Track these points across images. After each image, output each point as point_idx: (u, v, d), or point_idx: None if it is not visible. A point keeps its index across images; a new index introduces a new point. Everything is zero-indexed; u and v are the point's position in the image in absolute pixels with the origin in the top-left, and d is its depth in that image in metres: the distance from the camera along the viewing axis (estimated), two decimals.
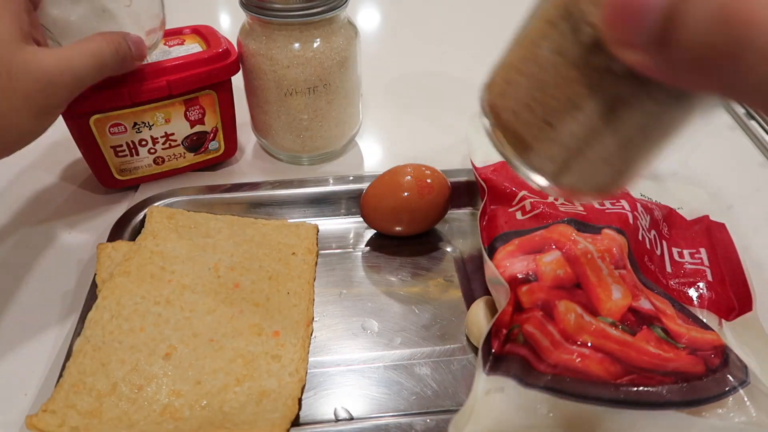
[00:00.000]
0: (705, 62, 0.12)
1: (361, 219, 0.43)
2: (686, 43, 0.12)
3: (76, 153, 0.52)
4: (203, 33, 0.47)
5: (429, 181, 0.41)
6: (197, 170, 0.50)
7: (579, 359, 0.29)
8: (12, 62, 0.31)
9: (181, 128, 0.46)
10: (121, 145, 0.45)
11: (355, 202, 0.45)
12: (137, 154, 0.46)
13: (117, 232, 0.41)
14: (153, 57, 0.43)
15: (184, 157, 0.48)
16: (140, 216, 0.43)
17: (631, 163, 0.19)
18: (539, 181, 0.20)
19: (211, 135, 0.48)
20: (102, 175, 0.47)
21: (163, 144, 0.46)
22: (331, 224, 0.45)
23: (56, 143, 0.53)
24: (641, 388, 0.29)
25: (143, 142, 0.45)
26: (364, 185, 0.44)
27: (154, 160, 0.47)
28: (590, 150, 0.18)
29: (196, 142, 0.48)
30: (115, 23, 0.40)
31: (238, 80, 0.47)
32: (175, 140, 0.47)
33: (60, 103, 0.35)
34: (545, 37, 0.18)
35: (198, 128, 0.47)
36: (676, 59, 0.13)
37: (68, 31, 0.39)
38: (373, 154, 0.53)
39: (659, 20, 0.13)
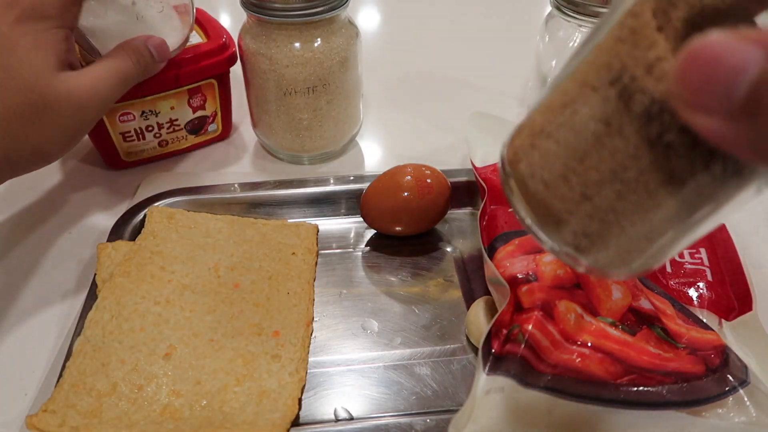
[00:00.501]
0: None
1: (361, 219, 0.43)
2: None
3: (77, 155, 0.52)
4: (197, 18, 0.49)
5: (429, 181, 0.41)
6: (197, 149, 0.53)
7: (579, 359, 0.29)
8: (48, 93, 0.33)
9: (184, 114, 0.49)
10: (129, 132, 0.48)
11: (355, 202, 0.45)
12: (144, 139, 0.49)
13: (117, 232, 0.41)
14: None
15: (186, 139, 0.51)
16: (140, 216, 0.43)
17: (675, 241, 0.17)
18: (564, 256, 0.18)
19: (211, 119, 0.51)
20: (109, 158, 0.50)
21: (168, 129, 0.49)
22: (331, 224, 0.45)
23: None
24: (641, 388, 0.29)
25: (150, 128, 0.48)
26: (364, 185, 0.44)
27: (159, 143, 0.50)
28: (633, 228, 0.16)
29: (197, 126, 0.51)
30: (149, 27, 0.42)
31: (235, 66, 0.49)
32: (179, 125, 0.50)
33: (89, 126, 0.37)
34: (585, 103, 0.16)
35: (199, 113, 0.50)
36: (763, 131, 0.11)
37: (105, 38, 0.42)
38: (373, 154, 0.53)
39: (751, 83, 0.10)
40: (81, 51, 0.42)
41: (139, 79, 0.40)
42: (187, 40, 0.45)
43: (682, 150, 0.14)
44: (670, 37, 0.14)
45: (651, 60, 0.14)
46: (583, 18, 0.44)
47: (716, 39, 0.11)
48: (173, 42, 0.44)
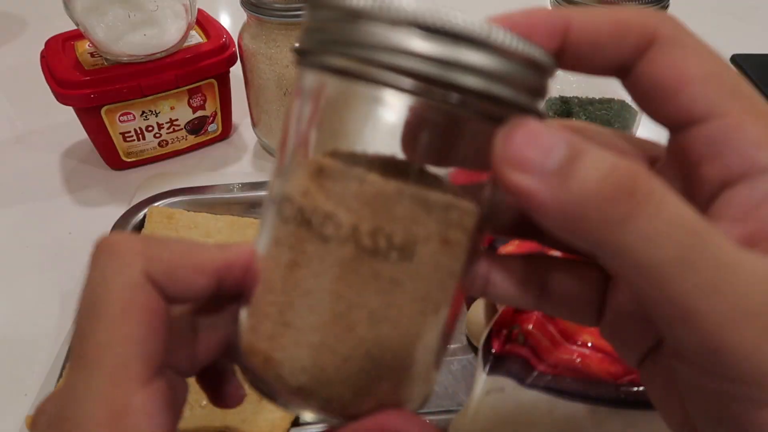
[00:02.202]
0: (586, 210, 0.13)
1: None
2: (578, 188, 0.13)
3: (77, 155, 0.52)
4: (197, 18, 0.49)
5: None
6: (197, 149, 0.53)
7: (579, 359, 0.29)
8: None
9: (184, 114, 0.49)
10: (129, 132, 0.48)
11: None
12: (144, 139, 0.49)
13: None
14: (160, 51, 0.45)
15: (186, 140, 0.51)
16: (140, 216, 0.43)
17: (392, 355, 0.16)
18: (301, 406, 0.16)
19: (211, 119, 0.51)
20: (109, 158, 0.50)
21: (168, 129, 0.49)
22: None
23: (57, 135, 0.53)
24: (641, 388, 0.29)
25: (150, 128, 0.48)
26: None
27: (159, 143, 0.50)
28: (333, 338, 0.15)
29: (197, 126, 0.51)
30: (147, 22, 0.43)
31: (234, 67, 0.49)
32: (179, 125, 0.50)
33: None
34: (258, 241, 0.17)
35: (199, 113, 0.50)
36: (571, 191, 0.14)
37: (102, 32, 0.42)
38: None
39: (562, 158, 0.14)
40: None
41: None
42: (185, 37, 0.45)
43: (331, 235, 0.15)
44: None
45: (302, 184, 0.15)
46: None
47: (534, 122, 0.14)
48: (171, 39, 0.44)
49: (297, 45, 0.16)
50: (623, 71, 0.16)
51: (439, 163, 0.16)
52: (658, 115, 0.16)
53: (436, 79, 0.14)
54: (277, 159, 0.17)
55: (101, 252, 0.16)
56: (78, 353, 0.16)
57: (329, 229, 0.15)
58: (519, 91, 0.14)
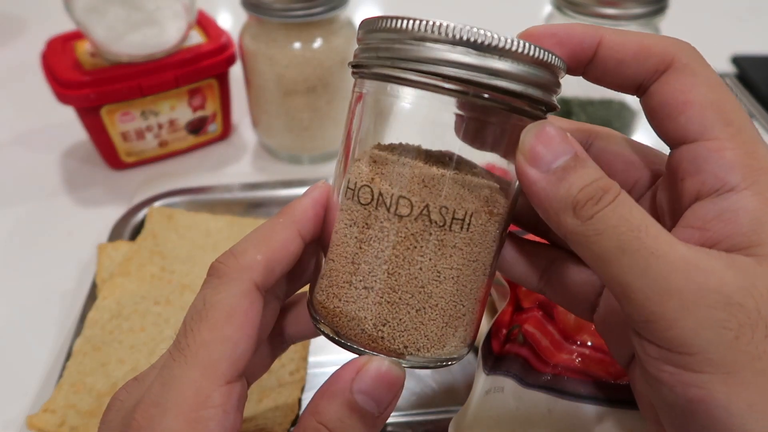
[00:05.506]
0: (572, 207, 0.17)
1: None
2: (565, 190, 0.17)
3: (77, 155, 0.52)
4: (198, 18, 0.50)
5: None
6: (197, 149, 0.53)
7: (579, 359, 0.29)
8: None
9: (184, 114, 0.49)
10: (129, 132, 0.48)
11: None
12: (144, 139, 0.49)
13: (117, 232, 0.41)
14: (160, 51, 0.45)
15: (186, 140, 0.51)
16: (140, 216, 0.43)
17: (451, 296, 0.20)
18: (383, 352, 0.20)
19: (211, 119, 0.51)
20: (110, 158, 0.49)
21: (168, 129, 0.49)
22: None
23: (57, 135, 0.53)
24: None
25: (150, 128, 0.48)
26: None
27: (159, 143, 0.50)
28: (414, 298, 0.19)
29: (197, 126, 0.51)
30: (147, 22, 0.43)
31: (234, 67, 0.49)
32: (179, 125, 0.50)
33: None
34: (339, 221, 0.20)
35: (199, 113, 0.50)
36: (558, 186, 0.17)
37: (103, 32, 0.42)
38: None
39: (563, 162, 0.17)
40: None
41: None
42: (185, 37, 0.45)
43: (406, 215, 0.19)
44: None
45: (365, 174, 0.19)
46: (584, 18, 0.44)
47: (555, 128, 0.18)
48: (171, 39, 0.44)
49: (357, 60, 0.19)
50: (641, 90, 0.19)
51: (482, 147, 0.20)
52: (661, 131, 0.19)
53: (472, 82, 0.17)
54: (342, 153, 0.21)
55: (214, 272, 0.19)
56: (179, 347, 0.18)
57: (404, 209, 0.19)
58: (532, 88, 0.18)
